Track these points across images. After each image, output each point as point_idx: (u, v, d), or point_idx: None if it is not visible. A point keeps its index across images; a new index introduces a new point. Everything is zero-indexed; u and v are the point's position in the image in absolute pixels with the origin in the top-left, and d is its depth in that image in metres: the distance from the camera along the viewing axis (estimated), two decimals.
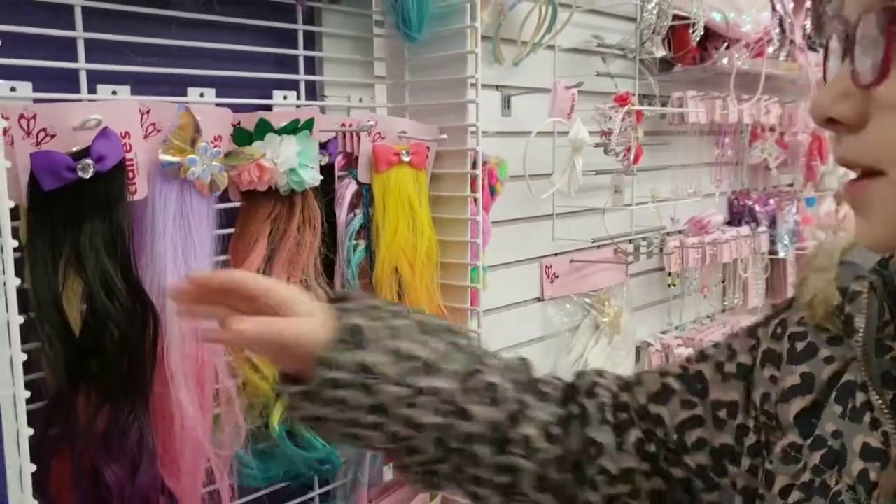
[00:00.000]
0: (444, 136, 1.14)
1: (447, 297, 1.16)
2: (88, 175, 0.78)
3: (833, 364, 0.65)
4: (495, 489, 0.76)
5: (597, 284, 1.85)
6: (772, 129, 2.23)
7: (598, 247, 1.85)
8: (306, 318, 0.71)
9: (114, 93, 0.93)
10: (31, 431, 0.74)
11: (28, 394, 0.74)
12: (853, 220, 0.54)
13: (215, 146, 0.89)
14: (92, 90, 0.91)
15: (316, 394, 0.71)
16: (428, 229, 1.12)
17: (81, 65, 0.89)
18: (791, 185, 2.50)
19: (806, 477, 0.62)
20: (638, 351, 2.00)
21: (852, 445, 0.60)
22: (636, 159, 1.78)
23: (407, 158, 1.10)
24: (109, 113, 0.80)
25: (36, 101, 0.86)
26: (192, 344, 0.87)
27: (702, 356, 0.76)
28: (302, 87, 1.10)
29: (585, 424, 0.76)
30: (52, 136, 0.77)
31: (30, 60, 0.84)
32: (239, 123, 0.92)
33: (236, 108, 0.96)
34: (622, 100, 1.73)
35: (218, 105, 1.00)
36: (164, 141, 0.84)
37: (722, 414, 0.72)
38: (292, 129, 0.92)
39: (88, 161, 0.78)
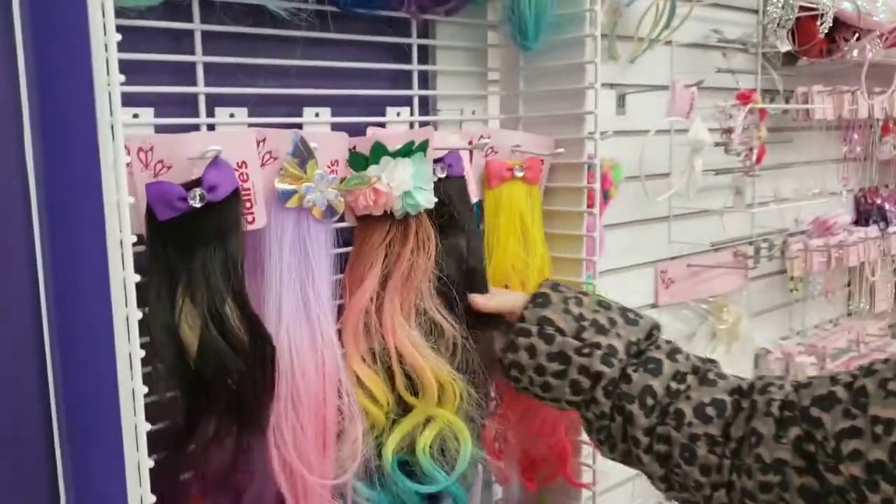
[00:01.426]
0: (561, 149, 1.10)
1: None
2: (198, 204, 0.77)
3: None
4: (655, 458, 0.89)
5: (714, 290, 1.78)
6: None
7: (717, 250, 1.78)
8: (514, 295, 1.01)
9: (231, 115, 0.93)
10: (151, 463, 0.75)
11: (148, 426, 0.75)
12: None
13: (332, 171, 0.88)
14: (210, 113, 0.91)
15: (512, 342, 0.95)
16: (540, 246, 1.09)
17: (200, 89, 0.89)
18: None
19: None
20: (757, 358, 1.92)
21: None
22: (759, 159, 1.69)
23: (520, 174, 1.07)
24: (226, 143, 0.79)
25: (157, 126, 0.87)
26: (312, 370, 0.86)
27: (869, 370, 0.78)
28: (415, 102, 1.08)
29: (752, 417, 0.84)
30: (169, 168, 0.78)
31: (151, 87, 0.85)
32: (355, 148, 0.90)
33: (350, 127, 0.95)
34: (745, 98, 1.65)
35: (333, 124, 1.00)
36: (280, 169, 0.83)
37: (878, 429, 0.73)
38: (407, 151, 0.91)
39: (199, 190, 0.77)
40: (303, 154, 0.83)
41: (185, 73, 0.89)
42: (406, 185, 0.90)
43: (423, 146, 0.92)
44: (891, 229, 2.12)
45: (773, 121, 1.85)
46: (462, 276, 0.99)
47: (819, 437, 0.78)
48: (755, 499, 0.82)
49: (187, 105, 0.90)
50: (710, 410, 0.86)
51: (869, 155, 2.12)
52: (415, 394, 0.96)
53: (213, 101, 0.91)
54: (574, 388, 0.93)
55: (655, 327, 0.97)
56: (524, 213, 1.07)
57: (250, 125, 0.93)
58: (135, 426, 0.74)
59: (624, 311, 0.97)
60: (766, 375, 0.90)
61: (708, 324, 1.75)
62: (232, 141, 0.81)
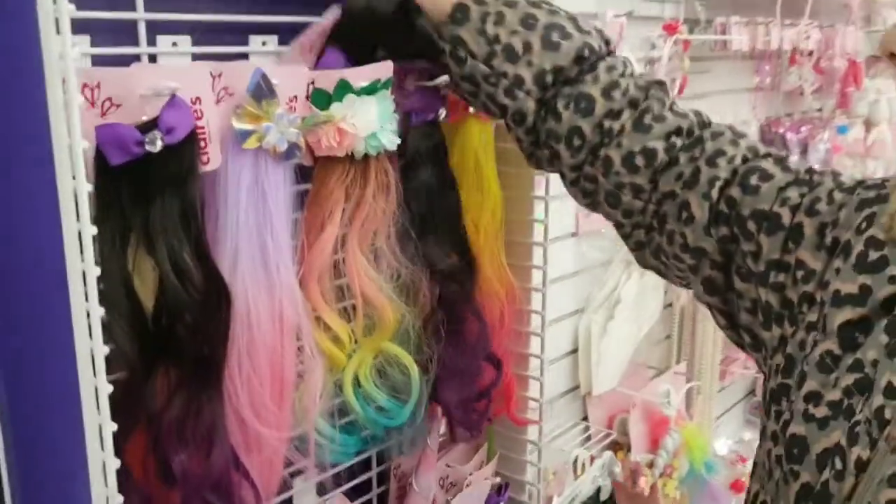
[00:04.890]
0: None
1: (510, 255, 1.12)
2: (157, 149, 0.71)
3: (895, 285, 0.63)
4: (580, 191, 0.88)
5: None
6: (810, 55, 2.14)
7: None
8: None
9: (174, 44, 0.85)
10: (115, 426, 0.70)
11: (111, 388, 0.70)
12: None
13: (291, 107, 0.82)
14: (151, 41, 0.83)
15: (432, 47, 0.86)
16: (494, 185, 1.07)
17: (140, 14, 0.81)
18: (820, 110, 2.42)
19: (835, 395, 0.63)
20: None
21: (881, 380, 0.60)
22: (681, 90, 1.71)
23: (473, 110, 1.03)
24: (178, 78, 0.72)
25: (94, 56, 0.78)
26: (268, 320, 0.82)
27: (812, 208, 0.72)
28: None
29: (691, 186, 0.79)
30: (118, 106, 0.70)
31: (87, 12, 0.76)
32: (314, 82, 0.84)
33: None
34: (671, 29, 1.65)
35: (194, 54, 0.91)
36: (237, 107, 0.77)
37: (800, 274, 0.71)
38: (372, 89, 0.85)
39: (157, 133, 0.71)
40: (263, 91, 0.77)
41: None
42: (372, 125, 0.85)
43: (388, 84, 0.86)
44: (792, 158, 2.19)
45: (692, 50, 1.86)
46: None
47: (747, 249, 0.75)
48: (666, 255, 0.82)
49: (127, 33, 0.81)
50: (638, 160, 0.81)
51: (776, 85, 2.17)
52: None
53: (155, 29, 0.83)
54: (488, 111, 0.88)
55: (586, 49, 0.84)
56: (478, 151, 1.04)
57: (194, 56, 0.86)
58: (95, 388, 0.69)
59: (549, 30, 0.84)
60: (723, 131, 0.82)
61: (625, 251, 1.78)
62: (186, 75, 0.74)
